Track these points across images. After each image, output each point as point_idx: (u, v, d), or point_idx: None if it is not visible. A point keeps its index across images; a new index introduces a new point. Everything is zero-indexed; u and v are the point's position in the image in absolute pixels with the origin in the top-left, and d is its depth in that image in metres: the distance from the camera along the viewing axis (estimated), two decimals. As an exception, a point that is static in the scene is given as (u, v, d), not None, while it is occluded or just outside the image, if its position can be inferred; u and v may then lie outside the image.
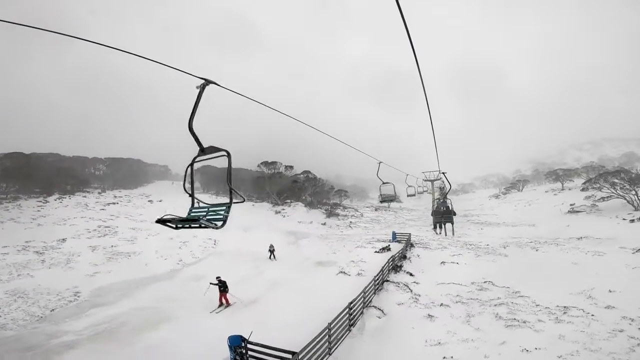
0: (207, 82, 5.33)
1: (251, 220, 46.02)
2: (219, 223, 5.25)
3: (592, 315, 16.20)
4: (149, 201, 56.16)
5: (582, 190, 55.80)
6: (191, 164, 5.85)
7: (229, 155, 5.32)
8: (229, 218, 5.59)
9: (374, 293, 18.87)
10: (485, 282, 22.20)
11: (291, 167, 57.88)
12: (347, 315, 14.32)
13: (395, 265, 23.96)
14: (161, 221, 5.19)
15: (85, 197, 54.39)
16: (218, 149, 5.41)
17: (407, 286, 20.45)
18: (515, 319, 16.09)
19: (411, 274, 23.17)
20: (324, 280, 22.22)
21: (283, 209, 53.84)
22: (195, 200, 6.19)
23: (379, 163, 16.77)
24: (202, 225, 5.17)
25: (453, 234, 20.44)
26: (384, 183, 18.15)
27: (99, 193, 59.63)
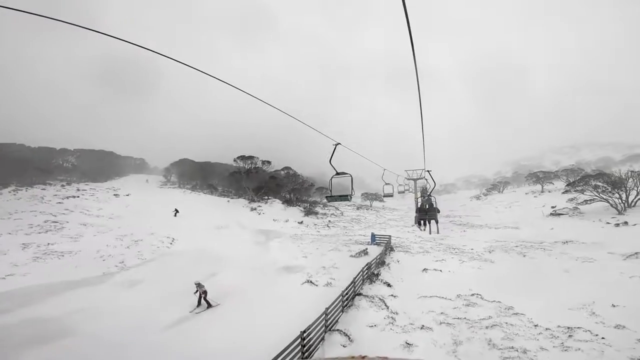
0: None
1: (223, 217, 41.95)
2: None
3: (603, 338, 13.30)
4: (114, 195, 51.34)
5: (564, 192, 53.74)
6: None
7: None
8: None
9: (342, 311, 15.23)
10: (472, 294, 18.97)
11: (269, 162, 53.71)
12: (300, 347, 10.62)
13: (371, 274, 20.40)
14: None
15: (44, 189, 49.57)
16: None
17: (383, 301, 16.90)
18: (512, 347, 12.79)
19: (389, 285, 19.66)
20: (286, 290, 18.49)
21: (259, 206, 49.81)
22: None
23: (335, 145, 10.75)
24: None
25: (438, 232, 19.12)
26: (337, 174, 11.29)
27: (62, 186, 54.49)
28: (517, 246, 31.46)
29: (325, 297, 17.00)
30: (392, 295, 18.09)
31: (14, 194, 44.26)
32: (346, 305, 15.76)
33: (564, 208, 50.37)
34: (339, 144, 11.72)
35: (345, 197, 14.95)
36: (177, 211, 41.26)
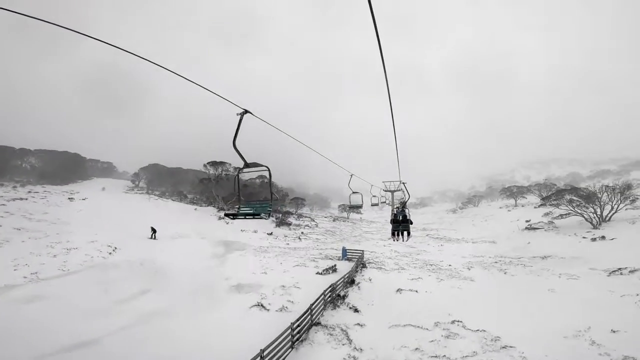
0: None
1: (184, 226, 37.61)
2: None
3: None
4: (69, 199, 46.11)
5: (540, 206, 52.29)
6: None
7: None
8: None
9: (292, 347, 11.57)
10: (453, 321, 15.84)
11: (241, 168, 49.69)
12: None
13: (335, 296, 16.85)
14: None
15: (-10, 190, 43.82)
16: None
17: (346, 333, 13.40)
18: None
19: (356, 310, 16.21)
20: (228, 317, 14.74)
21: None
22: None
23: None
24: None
25: (409, 236, 17.30)
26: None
27: (13, 187, 48.81)
28: (496, 262, 28.80)
29: (275, 326, 13.35)
30: (358, 324, 14.62)
31: (-49, 195, 38.71)
32: (297, 339, 12.10)
33: (539, 222, 48.65)
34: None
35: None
36: (154, 231, 32.87)
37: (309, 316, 13.35)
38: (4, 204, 37.48)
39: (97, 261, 23.23)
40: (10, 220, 32.30)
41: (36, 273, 19.59)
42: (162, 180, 64.24)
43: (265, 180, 56.52)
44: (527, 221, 51.65)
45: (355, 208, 19.91)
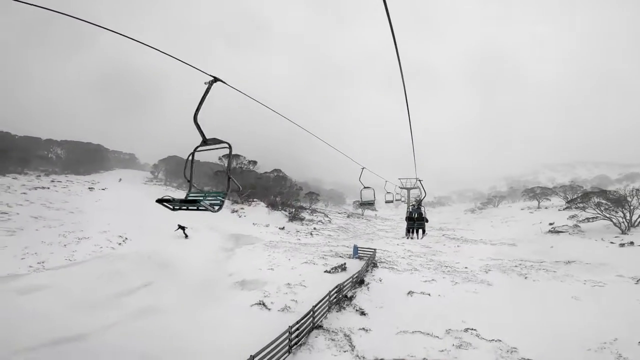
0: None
1: (195, 218, 37.35)
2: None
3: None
4: (89, 189, 46.93)
5: (565, 209, 49.48)
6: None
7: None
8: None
9: (289, 352, 10.69)
10: (466, 329, 14.56)
11: (255, 162, 49.25)
12: None
13: (342, 297, 15.86)
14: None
15: (15, 178, 45.14)
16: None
17: (349, 339, 12.42)
18: None
19: (363, 312, 15.17)
20: (227, 314, 14.01)
21: (242, 208, 45.27)
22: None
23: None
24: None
25: (424, 234, 16.31)
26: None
27: (37, 176, 50.14)
28: (516, 266, 27.03)
29: (275, 327, 12.50)
30: (363, 328, 13.60)
31: (-22, 183, 39.88)
32: (296, 344, 11.21)
33: (563, 225, 46.00)
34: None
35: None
36: (182, 228, 30.56)
37: (311, 318, 12.43)
38: (25, 193, 38.33)
39: (105, 252, 23.11)
40: (29, 208, 32.86)
41: (43, 262, 19.54)
42: (180, 172, 64.74)
43: (281, 174, 55.98)
44: (550, 224, 49.08)
45: (367, 205, 18.66)
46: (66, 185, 46.20)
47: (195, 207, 4.83)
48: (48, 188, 42.96)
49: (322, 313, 13.75)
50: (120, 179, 57.60)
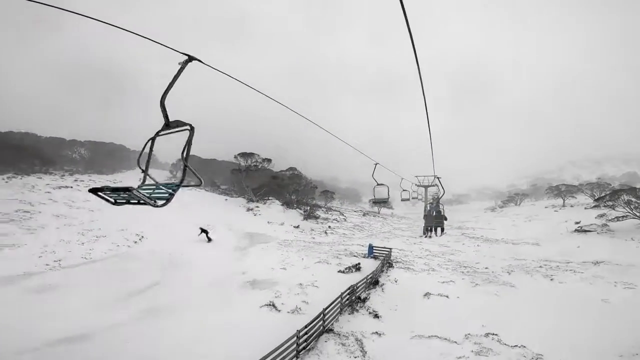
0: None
1: (212, 216, 37.46)
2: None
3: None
4: (110, 188, 47.76)
5: (594, 207, 46.94)
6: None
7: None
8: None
9: (297, 356, 10.14)
10: (487, 334, 13.63)
11: (269, 160, 49.04)
12: None
13: (354, 299, 15.20)
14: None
15: (40, 178, 46.55)
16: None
17: (360, 343, 11.77)
18: None
19: (376, 315, 14.47)
20: (235, 316, 13.59)
21: (257, 207, 45.15)
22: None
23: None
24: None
25: (442, 233, 18.94)
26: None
27: (62, 176, 51.63)
28: (540, 266, 25.61)
29: (284, 329, 11.99)
30: (376, 332, 12.91)
31: (6, 182, 41.28)
32: (304, 349, 10.65)
33: (591, 224, 43.57)
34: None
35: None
36: (205, 232, 28.17)
37: (321, 322, 11.85)
38: (49, 192, 39.40)
39: (121, 250, 23.26)
40: (52, 207, 33.71)
41: (59, 261, 19.75)
42: (198, 171, 65.71)
43: (296, 172, 55.57)
44: (576, 223, 46.70)
45: (381, 203, 17.76)
46: (88, 184, 47.34)
47: (137, 201, 4.06)
48: (71, 187, 44.06)
49: (333, 316, 13.14)
50: (140, 179, 58.66)
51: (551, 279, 21.92)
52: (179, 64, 4.34)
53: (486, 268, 24.55)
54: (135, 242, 25.51)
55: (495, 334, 13.66)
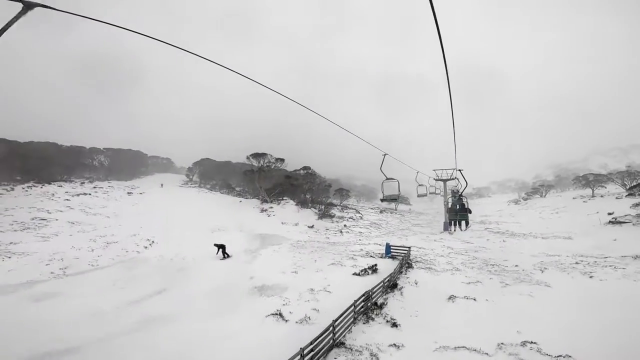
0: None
1: (226, 218, 36.54)
2: None
3: None
4: (128, 193, 47.96)
5: (628, 196, 43.36)
6: None
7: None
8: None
9: (304, 380, 8.61)
10: (524, 343, 11.77)
11: (282, 159, 47.67)
12: None
13: (370, 306, 13.55)
14: None
15: (61, 186, 47.08)
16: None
17: (376, 358, 10.05)
18: None
19: (395, 324, 12.76)
20: (238, 326, 12.20)
21: (270, 207, 43.98)
22: None
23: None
24: None
25: (467, 226, 18.31)
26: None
27: (82, 183, 52.14)
28: (576, 262, 23.13)
29: (290, 342, 10.56)
30: (394, 344, 11.22)
31: (26, 190, 41.78)
32: (311, 369, 9.11)
33: (625, 215, 40.06)
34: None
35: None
36: (221, 248, 23.29)
37: (331, 335, 10.29)
38: (68, 199, 39.61)
39: (130, 256, 22.48)
40: (68, 214, 33.68)
41: (65, 268, 19.07)
42: (213, 174, 65.69)
43: (310, 171, 54.07)
44: (609, 214, 43.22)
45: (390, 200, 15.89)
46: (107, 191, 47.52)
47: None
48: (89, 194, 44.32)
49: (345, 326, 11.54)
50: (162, 185, 58.64)
51: (590, 277, 19.56)
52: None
53: (516, 266, 22.30)
54: (146, 247, 24.73)
55: (534, 342, 11.74)
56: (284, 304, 14.45)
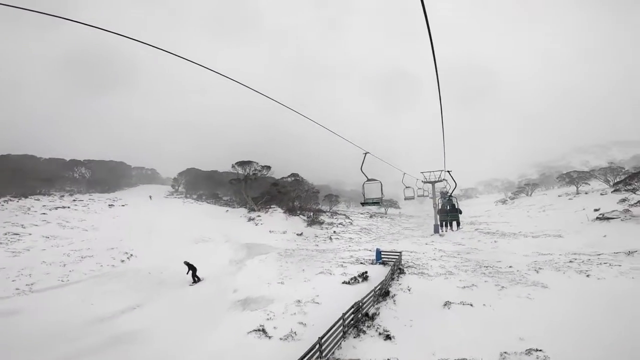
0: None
1: (212, 228, 35.01)
2: None
3: None
4: (109, 206, 45.87)
5: (614, 192, 43.48)
6: None
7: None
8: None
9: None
10: (529, 351, 10.84)
11: (268, 167, 46.46)
12: None
13: (360, 318, 12.41)
14: None
15: (38, 200, 44.71)
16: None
17: (370, 381, 8.94)
18: None
19: (388, 336, 11.65)
20: (216, 345, 10.90)
21: (258, 216, 42.57)
22: None
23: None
24: None
25: (458, 227, 17.91)
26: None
27: (61, 196, 49.82)
28: (570, 261, 22.46)
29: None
30: (389, 359, 10.07)
31: (2, 205, 39.50)
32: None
33: (612, 211, 40.07)
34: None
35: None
36: (191, 269, 19.68)
37: (317, 353, 9.11)
38: (44, 213, 37.47)
39: (104, 270, 20.86)
40: (44, 228, 31.68)
41: (32, 284, 17.41)
42: (199, 184, 63.93)
43: (298, 178, 52.92)
44: (596, 210, 43.26)
45: (372, 204, 14.36)
46: (87, 204, 45.33)
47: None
48: (68, 207, 42.13)
49: (334, 342, 10.38)
50: (151, 196, 56.35)
51: (587, 275, 18.84)
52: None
53: (510, 267, 21.51)
54: (123, 260, 23.11)
55: (540, 350, 10.79)
56: (268, 319, 13.19)
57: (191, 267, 19.41)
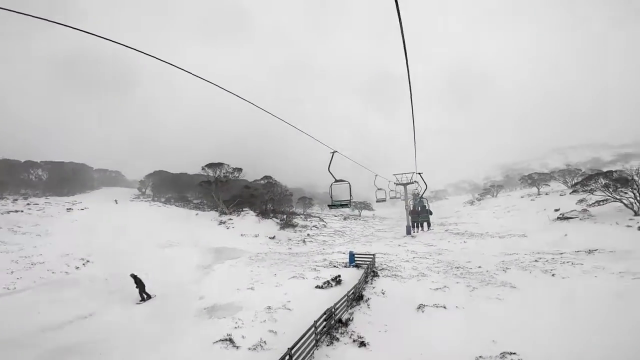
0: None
1: (179, 232, 33.31)
2: None
3: None
4: (67, 209, 42.73)
5: (572, 192, 45.81)
6: None
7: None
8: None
9: None
10: (503, 355, 10.77)
11: (240, 169, 45.14)
12: None
13: (333, 324, 11.87)
14: None
15: (-14, 204, 40.96)
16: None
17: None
18: None
19: (362, 342, 11.19)
20: (180, 355, 9.93)
21: (230, 219, 41.17)
22: None
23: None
24: None
25: (429, 227, 18.43)
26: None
27: (14, 200, 45.93)
28: (535, 260, 23.15)
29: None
30: (364, 369, 9.61)
31: (-55, 212, 35.84)
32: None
33: (571, 211, 42.16)
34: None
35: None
36: (138, 284, 16.94)
37: (288, 366, 8.45)
38: (-5, 218, 34.33)
39: (56, 277, 19.14)
40: (-11, 235, 28.89)
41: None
42: (168, 187, 61.12)
43: (271, 181, 51.85)
44: (556, 210, 45.40)
45: (340, 206, 13.79)
46: (42, 208, 42.02)
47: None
48: (22, 211, 38.87)
49: (305, 351, 9.76)
50: (117, 201, 52.97)
51: (552, 275, 19.36)
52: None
53: (479, 267, 21.81)
54: (77, 267, 21.33)
55: (514, 353, 10.71)
56: (236, 327, 12.35)
57: (139, 282, 16.88)
